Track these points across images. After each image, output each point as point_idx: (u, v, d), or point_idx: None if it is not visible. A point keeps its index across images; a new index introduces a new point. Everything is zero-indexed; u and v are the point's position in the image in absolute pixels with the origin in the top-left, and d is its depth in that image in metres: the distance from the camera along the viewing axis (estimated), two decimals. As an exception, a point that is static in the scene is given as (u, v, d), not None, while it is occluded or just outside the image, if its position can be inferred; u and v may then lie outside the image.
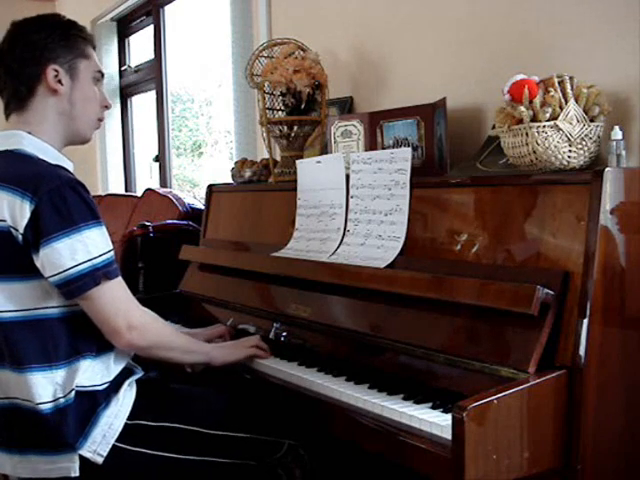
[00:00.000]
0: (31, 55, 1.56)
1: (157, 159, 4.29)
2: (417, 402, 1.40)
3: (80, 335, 1.49)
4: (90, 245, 1.43)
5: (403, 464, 1.35)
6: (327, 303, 1.79)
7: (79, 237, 1.42)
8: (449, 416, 1.22)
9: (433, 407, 1.37)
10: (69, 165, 1.57)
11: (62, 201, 1.42)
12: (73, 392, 1.46)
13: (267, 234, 2.18)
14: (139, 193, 3.95)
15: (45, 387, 1.45)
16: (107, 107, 1.68)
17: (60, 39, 1.58)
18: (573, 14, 1.72)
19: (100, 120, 1.67)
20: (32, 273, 1.45)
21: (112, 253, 1.48)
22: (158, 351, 1.57)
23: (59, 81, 1.57)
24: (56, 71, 1.56)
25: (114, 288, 1.46)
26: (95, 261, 1.43)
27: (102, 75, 1.67)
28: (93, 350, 1.50)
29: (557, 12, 1.76)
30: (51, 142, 1.57)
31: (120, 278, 1.49)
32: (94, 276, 1.43)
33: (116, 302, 1.46)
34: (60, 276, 1.42)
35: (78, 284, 1.42)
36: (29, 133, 1.55)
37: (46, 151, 1.54)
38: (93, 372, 1.49)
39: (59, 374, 1.46)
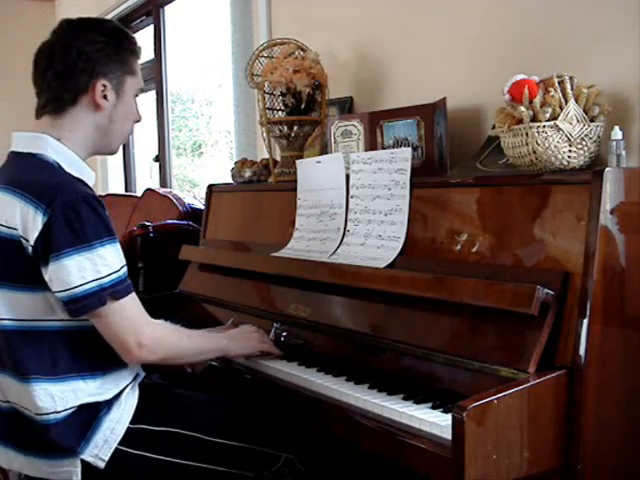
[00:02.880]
0: (84, 66, 1.53)
1: (157, 159, 4.29)
2: (417, 402, 1.40)
3: (82, 353, 1.48)
4: (100, 264, 1.40)
5: (403, 464, 1.35)
6: (327, 303, 1.79)
7: (90, 255, 1.40)
8: (449, 416, 1.22)
9: (433, 407, 1.37)
10: (91, 176, 1.55)
11: (76, 216, 1.39)
12: (75, 408, 1.45)
13: (267, 234, 2.18)
14: (139, 193, 3.95)
15: (44, 398, 1.44)
16: (138, 121, 1.68)
17: (113, 53, 1.56)
18: (573, 14, 1.72)
19: (130, 134, 1.68)
20: (37, 285, 1.43)
21: (124, 270, 1.45)
22: (170, 361, 1.58)
23: (105, 96, 1.55)
24: (104, 86, 1.55)
25: (123, 307, 1.44)
26: (103, 281, 1.40)
27: (142, 91, 1.67)
28: (97, 370, 1.48)
29: (557, 12, 1.76)
30: (78, 151, 1.55)
31: (132, 295, 1.46)
32: (100, 296, 1.40)
33: (125, 321, 1.44)
34: (67, 293, 1.40)
35: (84, 303, 1.40)
36: (58, 140, 1.52)
37: (69, 159, 1.52)
38: (102, 389, 1.48)
39: (57, 388, 1.45)
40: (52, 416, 1.44)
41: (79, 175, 1.50)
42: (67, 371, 1.46)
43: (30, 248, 1.41)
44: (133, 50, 1.62)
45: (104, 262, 1.41)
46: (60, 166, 1.50)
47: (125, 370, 1.53)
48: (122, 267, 1.45)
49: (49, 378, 1.45)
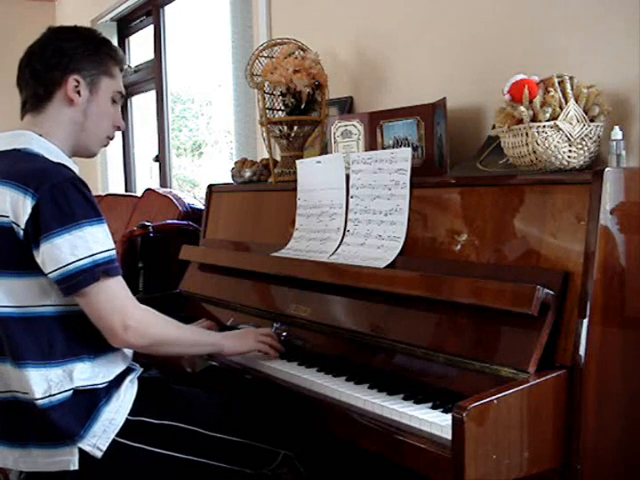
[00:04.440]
0: (58, 61, 1.58)
1: (157, 159, 4.29)
2: (417, 402, 1.40)
3: (76, 336, 1.49)
4: (91, 241, 1.43)
5: (403, 464, 1.35)
6: (327, 303, 1.79)
7: (80, 233, 1.42)
8: (449, 416, 1.22)
9: (433, 407, 1.38)
10: (75, 168, 1.58)
11: (63, 197, 1.43)
12: (71, 391, 1.46)
13: (267, 234, 2.18)
14: (139, 193, 3.95)
15: (39, 383, 1.45)
16: (119, 128, 1.70)
17: (90, 52, 1.61)
18: (573, 14, 1.72)
19: (110, 138, 1.70)
20: (30, 270, 1.46)
21: (114, 251, 1.48)
22: (159, 348, 1.56)
23: (78, 92, 1.59)
24: (77, 82, 1.59)
25: (113, 286, 1.46)
26: (96, 257, 1.43)
27: (122, 96, 1.69)
28: (91, 352, 1.50)
29: (557, 12, 1.76)
30: (58, 146, 1.59)
31: (120, 277, 1.48)
32: (93, 272, 1.43)
33: (113, 301, 1.45)
34: (60, 271, 1.42)
35: (77, 279, 1.42)
36: (40, 135, 1.56)
37: (52, 152, 1.55)
38: (92, 373, 1.49)
39: (54, 372, 1.46)
40: (47, 399, 1.45)
41: (62, 162, 1.53)
42: (63, 355, 1.48)
43: (21, 232, 1.44)
44: (112, 55, 1.66)
45: (95, 239, 1.44)
46: (44, 156, 1.53)
47: (115, 354, 1.53)
48: (112, 248, 1.48)
49: (45, 363, 1.46)
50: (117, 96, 1.67)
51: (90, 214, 1.45)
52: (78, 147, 1.65)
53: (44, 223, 1.42)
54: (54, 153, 1.55)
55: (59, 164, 1.51)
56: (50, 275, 1.43)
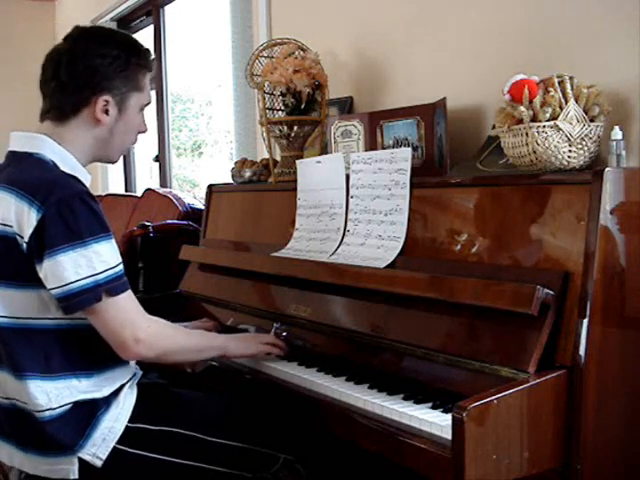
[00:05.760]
0: (89, 80, 1.52)
1: (157, 159, 4.29)
2: (417, 402, 1.40)
3: (76, 351, 1.48)
4: (95, 260, 1.40)
5: (403, 464, 1.35)
6: (327, 303, 1.79)
7: (84, 251, 1.39)
8: (449, 416, 1.22)
9: (433, 407, 1.38)
10: (87, 178, 1.55)
11: (70, 212, 1.39)
12: (71, 404, 1.45)
13: (267, 234, 2.18)
14: (139, 193, 3.95)
15: (38, 396, 1.44)
16: (144, 132, 1.67)
17: (121, 68, 1.54)
18: (573, 14, 1.72)
19: (133, 144, 1.67)
20: (31, 282, 1.43)
21: (120, 267, 1.45)
22: (169, 357, 1.56)
23: (106, 111, 1.54)
24: (106, 102, 1.53)
25: (119, 303, 1.43)
26: (98, 277, 1.40)
27: (148, 104, 1.65)
28: (92, 368, 1.48)
29: (557, 12, 1.76)
30: (77, 156, 1.55)
31: (129, 292, 1.45)
32: (95, 292, 1.40)
33: (121, 316, 1.43)
34: (62, 289, 1.39)
35: (78, 299, 1.39)
36: (59, 144, 1.52)
37: (66, 160, 1.52)
38: (95, 386, 1.47)
39: (52, 385, 1.45)
40: (47, 413, 1.44)
41: (74, 174, 1.50)
42: (60, 370, 1.46)
43: (25, 245, 1.41)
44: (143, 65, 1.59)
45: (99, 258, 1.41)
46: (55, 164, 1.50)
47: (121, 368, 1.52)
48: (118, 264, 1.45)
49: (43, 376, 1.45)
50: (144, 107, 1.63)
51: (97, 230, 1.41)
52: (98, 158, 1.62)
53: (49, 238, 1.38)
54: (68, 161, 1.52)
55: (69, 175, 1.47)
56: (52, 292, 1.41)
